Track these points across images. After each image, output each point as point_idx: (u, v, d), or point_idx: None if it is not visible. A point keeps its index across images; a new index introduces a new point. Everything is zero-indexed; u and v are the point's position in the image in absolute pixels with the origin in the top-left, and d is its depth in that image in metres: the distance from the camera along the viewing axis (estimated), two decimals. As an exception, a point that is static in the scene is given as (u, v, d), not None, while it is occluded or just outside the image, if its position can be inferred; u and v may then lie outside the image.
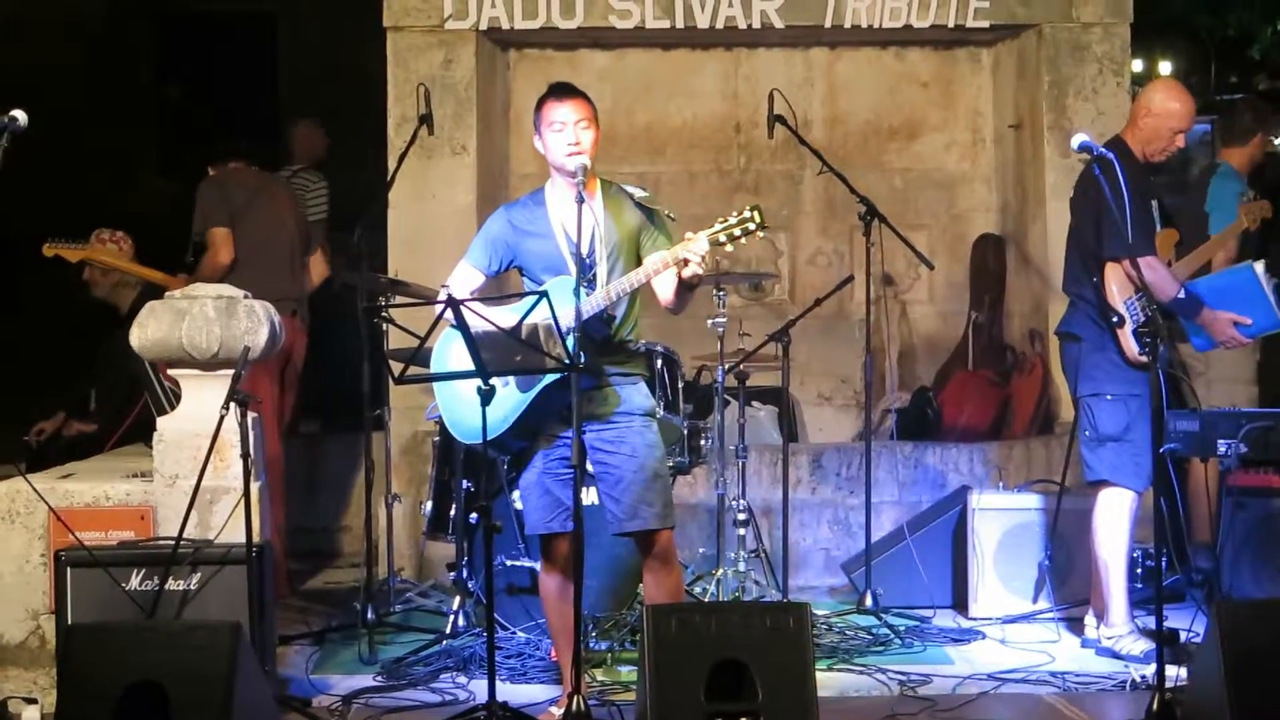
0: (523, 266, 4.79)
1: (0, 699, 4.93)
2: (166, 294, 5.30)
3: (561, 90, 4.71)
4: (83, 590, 4.82)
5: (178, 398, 5.43)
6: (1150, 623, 5.20)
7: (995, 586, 6.13)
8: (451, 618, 5.87)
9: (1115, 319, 5.37)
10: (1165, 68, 13.60)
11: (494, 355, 4.40)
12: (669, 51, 7.95)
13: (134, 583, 4.84)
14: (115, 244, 6.85)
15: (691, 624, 4.21)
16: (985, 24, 7.48)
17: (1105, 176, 5.07)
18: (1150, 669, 4.93)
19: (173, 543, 4.82)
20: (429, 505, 6.12)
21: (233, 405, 4.73)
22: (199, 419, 5.05)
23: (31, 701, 4.92)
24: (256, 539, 4.79)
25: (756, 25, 7.45)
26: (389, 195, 6.87)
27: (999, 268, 7.88)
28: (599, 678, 5.30)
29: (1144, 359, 5.05)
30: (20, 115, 4.22)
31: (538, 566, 4.96)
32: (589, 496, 5.15)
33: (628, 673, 5.28)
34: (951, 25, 7.45)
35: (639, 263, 4.64)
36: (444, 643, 5.70)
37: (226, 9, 9.99)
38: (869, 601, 6.15)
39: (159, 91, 10.10)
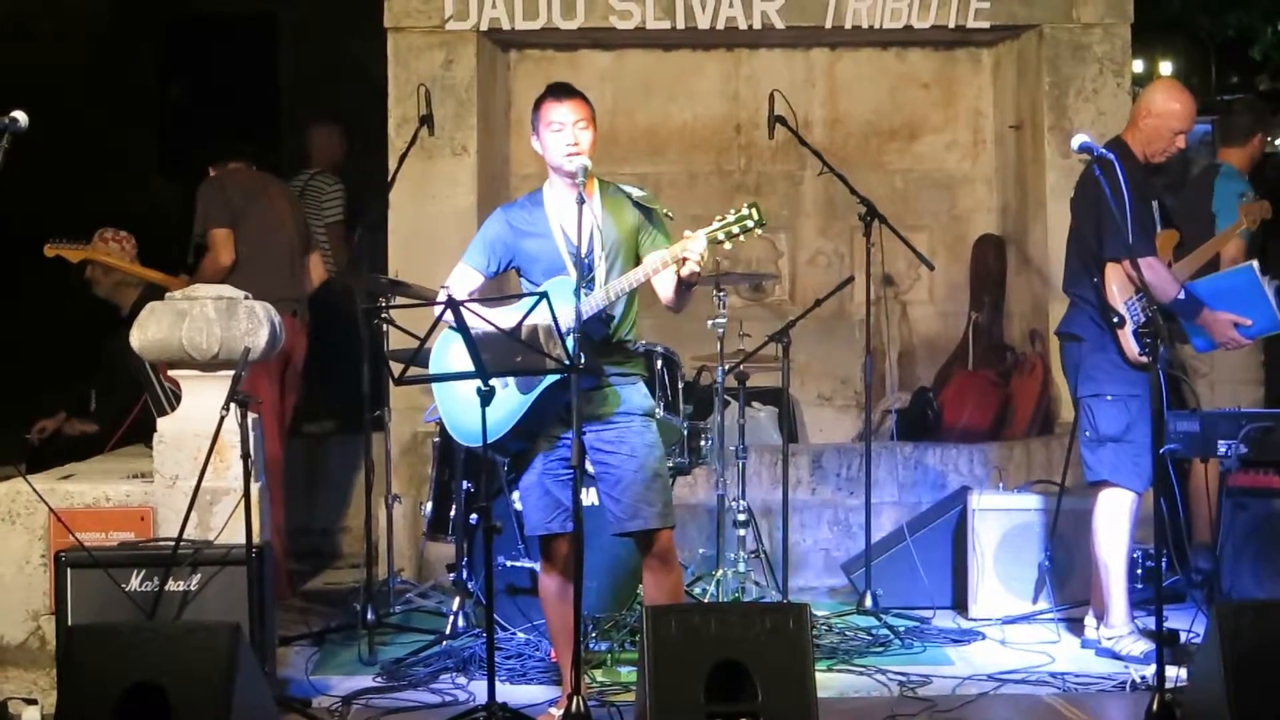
0: (521, 267, 4.79)
1: (0, 700, 4.93)
2: (167, 295, 5.30)
3: (559, 90, 4.71)
4: (83, 591, 4.82)
5: (178, 398, 5.43)
6: (1150, 623, 5.20)
7: (995, 587, 6.13)
8: (451, 618, 5.87)
9: (1115, 319, 5.37)
10: (1166, 68, 13.62)
11: (493, 356, 4.40)
12: (670, 52, 7.95)
13: (134, 583, 4.85)
14: (118, 244, 6.85)
15: (691, 625, 4.21)
16: (986, 24, 7.48)
17: (1105, 177, 5.07)
18: (1150, 670, 4.93)
19: (173, 544, 4.83)
20: (429, 506, 6.12)
21: (233, 406, 4.73)
22: (199, 420, 5.05)
23: (31, 702, 4.93)
24: (256, 540, 4.80)
25: (757, 26, 7.45)
26: (389, 196, 6.87)
27: (999, 268, 7.88)
28: (599, 678, 5.30)
29: (1144, 359, 5.05)
30: (21, 116, 4.22)
31: (537, 567, 4.96)
32: (589, 497, 5.15)
33: (627, 673, 5.28)
34: (952, 26, 7.45)
35: (638, 263, 4.65)
36: (444, 643, 5.70)
37: (227, 9, 9.97)
38: (869, 602, 6.15)
39: (160, 91, 10.08)
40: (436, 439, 6.12)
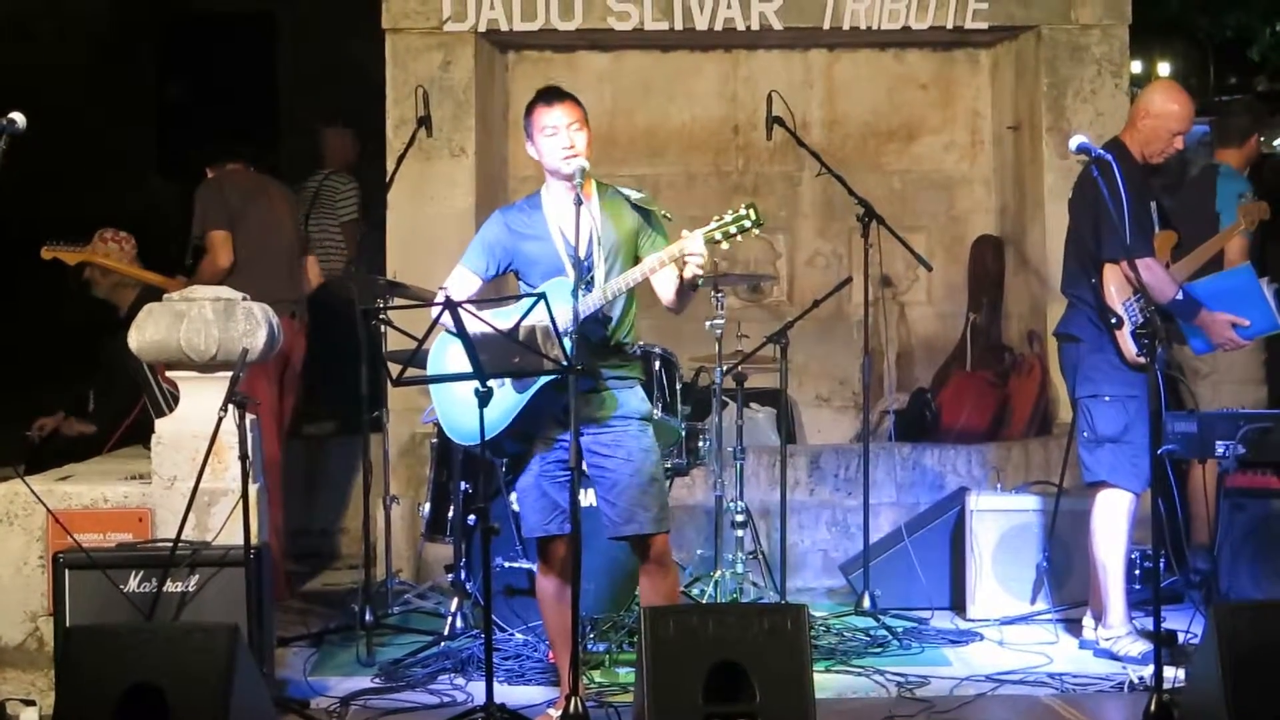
0: (519, 270, 4.78)
1: (-2, 701, 4.95)
2: (165, 296, 5.30)
3: (550, 95, 4.71)
4: (81, 592, 4.82)
5: (176, 400, 5.43)
6: (1148, 624, 5.21)
7: (993, 588, 6.13)
8: (449, 619, 5.87)
9: (1114, 320, 5.37)
10: (1164, 69, 13.63)
11: (491, 357, 4.40)
12: (668, 53, 7.95)
13: (132, 585, 4.85)
14: (117, 244, 6.85)
15: (689, 626, 4.21)
16: (984, 25, 7.48)
17: (1103, 178, 5.08)
18: (1148, 670, 4.94)
19: (171, 545, 4.82)
20: (427, 507, 6.13)
21: (231, 407, 4.73)
22: (197, 421, 5.05)
23: (30, 704, 4.92)
24: (255, 541, 4.80)
25: (755, 27, 7.45)
26: (387, 197, 6.87)
27: (997, 269, 7.88)
28: (597, 679, 5.30)
29: (1142, 360, 5.06)
30: (18, 118, 4.22)
31: (535, 569, 4.96)
32: (586, 499, 5.15)
33: (625, 674, 5.28)
34: (950, 27, 7.45)
35: (637, 264, 4.64)
36: (442, 644, 5.70)
37: (227, 9, 9.97)
38: (867, 603, 6.15)
39: (160, 92, 10.08)
40: (434, 440, 6.12)
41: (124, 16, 10.17)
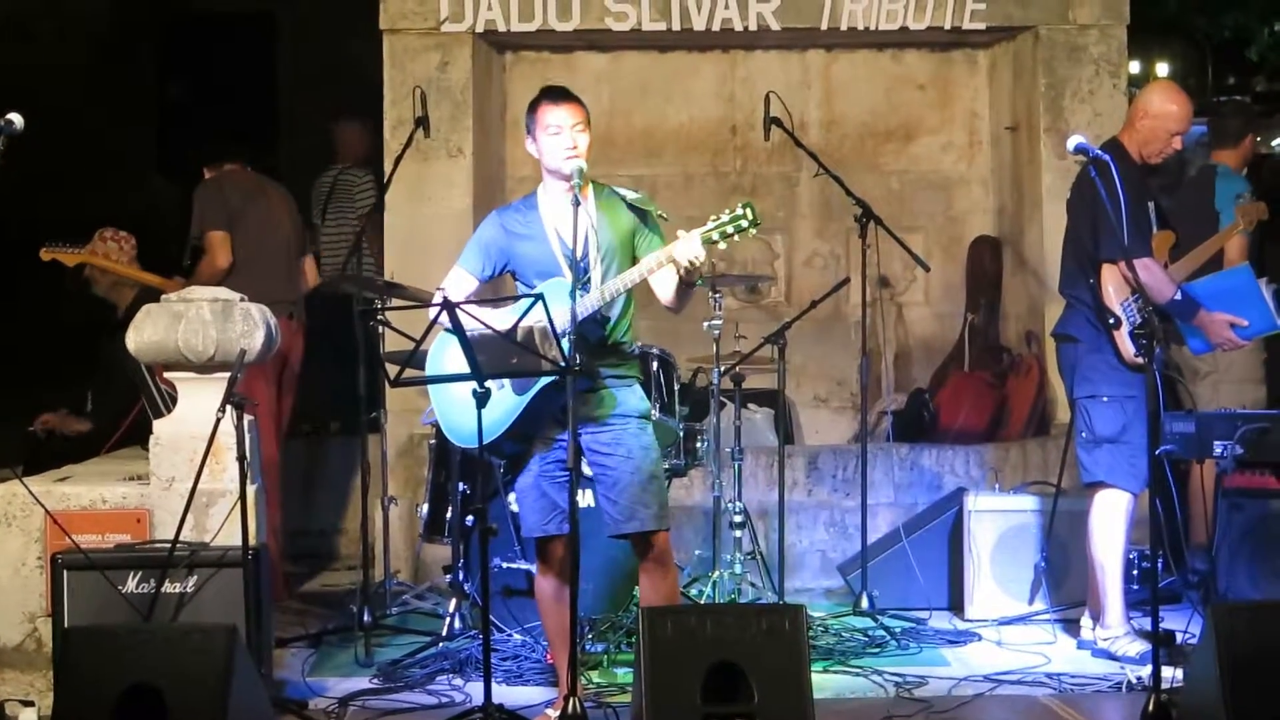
0: (516, 271, 4.78)
1: (-3, 701, 4.95)
2: (163, 297, 5.30)
3: (556, 94, 4.71)
4: (79, 593, 4.82)
5: (174, 401, 5.43)
6: (1146, 624, 5.22)
7: (991, 588, 6.13)
8: (447, 620, 5.87)
9: (1112, 321, 5.37)
10: (1162, 69, 13.64)
11: (489, 358, 4.40)
12: (666, 54, 7.95)
13: (130, 585, 4.85)
14: (117, 244, 6.85)
15: (687, 626, 4.21)
16: (981, 26, 7.48)
17: (1101, 178, 5.08)
18: (1146, 670, 4.94)
19: (169, 545, 4.82)
20: (425, 508, 6.13)
21: (229, 408, 4.73)
22: (195, 422, 5.04)
23: (28, 704, 4.92)
24: (253, 541, 4.81)
25: (753, 27, 7.45)
26: (385, 198, 6.87)
27: (995, 269, 7.88)
28: (595, 680, 5.31)
29: (1140, 361, 5.06)
30: (16, 118, 4.22)
31: (534, 569, 4.96)
32: (585, 499, 5.15)
33: (624, 675, 5.28)
34: (948, 27, 7.45)
35: (634, 265, 4.64)
36: (440, 645, 5.70)
37: (226, 9, 9.98)
38: (865, 603, 6.15)
39: (160, 91, 10.08)
40: (433, 441, 6.12)
41: (124, 16, 10.17)
